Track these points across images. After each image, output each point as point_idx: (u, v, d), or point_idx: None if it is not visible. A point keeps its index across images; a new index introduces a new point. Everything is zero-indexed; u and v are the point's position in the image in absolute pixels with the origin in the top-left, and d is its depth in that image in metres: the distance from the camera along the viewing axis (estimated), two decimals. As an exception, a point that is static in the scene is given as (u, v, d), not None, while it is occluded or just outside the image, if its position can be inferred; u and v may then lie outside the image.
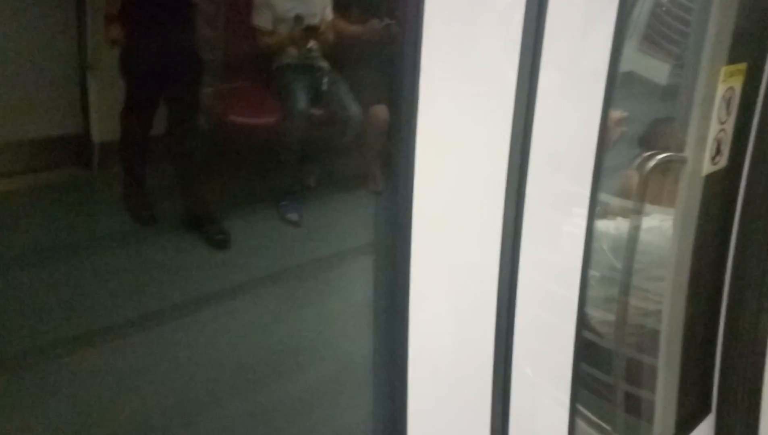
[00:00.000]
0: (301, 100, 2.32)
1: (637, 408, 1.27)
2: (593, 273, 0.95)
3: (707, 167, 1.35)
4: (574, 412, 0.95)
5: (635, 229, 1.19)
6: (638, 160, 1.28)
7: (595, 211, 0.87)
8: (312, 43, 2.37)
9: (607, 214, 1.09)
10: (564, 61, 0.83)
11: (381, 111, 2.32)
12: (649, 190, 1.23)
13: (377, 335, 0.97)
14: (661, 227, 1.30)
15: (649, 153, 1.29)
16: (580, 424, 1.05)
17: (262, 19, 2.35)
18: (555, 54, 0.80)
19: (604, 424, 1.18)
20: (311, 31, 2.34)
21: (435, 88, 0.80)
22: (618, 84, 0.87)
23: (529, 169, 0.83)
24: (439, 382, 0.93)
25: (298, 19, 2.33)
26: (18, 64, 1.85)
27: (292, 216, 2.36)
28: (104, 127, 2.05)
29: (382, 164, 2.30)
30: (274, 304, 2.11)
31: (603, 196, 0.96)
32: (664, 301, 1.31)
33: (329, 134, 2.47)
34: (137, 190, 2.11)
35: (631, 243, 1.18)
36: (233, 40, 2.39)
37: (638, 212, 1.22)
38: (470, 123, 0.84)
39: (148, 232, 2.09)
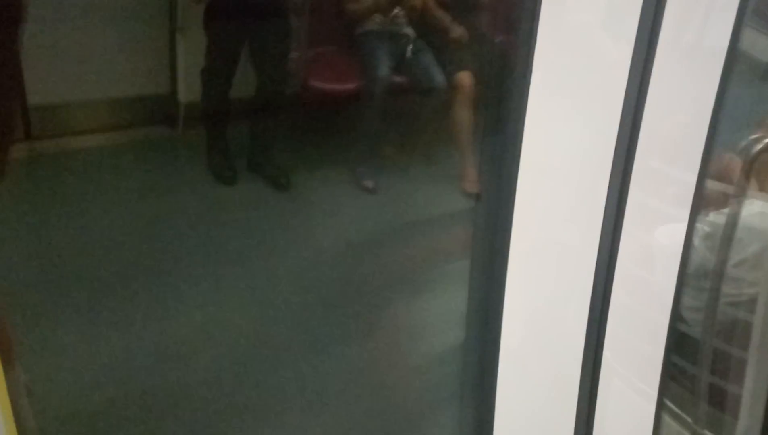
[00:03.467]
0: (384, 67, 2.30)
1: (723, 402, 1.22)
2: (691, 261, 0.92)
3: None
4: (660, 405, 0.93)
5: (735, 216, 1.13)
6: (744, 143, 1.21)
7: (701, 199, 0.83)
8: (398, 10, 2.34)
9: (709, 198, 1.03)
10: (682, 40, 0.79)
11: (466, 78, 2.29)
12: (753, 176, 1.16)
13: (470, 318, 0.97)
14: (763, 214, 1.23)
15: (756, 135, 1.22)
16: (665, 416, 1.03)
17: (348, -16, 2.34)
18: (673, 32, 0.76)
19: (687, 417, 1.15)
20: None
21: (547, 68, 0.77)
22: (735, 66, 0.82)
23: (636, 153, 0.80)
24: (527, 368, 0.92)
25: (384, -15, 2.31)
26: (111, 25, 1.91)
27: (368, 183, 2.37)
28: (191, 88, 2.11)
29: (471, 153, 2.28)
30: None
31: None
32: (761, 292, 1.25)
33: (412, 102, 2.45)
34: (219, 149, 2.17)
35: (728, 230, 1.12)
36: (319, 3, 2.39)
37: (740, 198, 1.16)
38: (580, 101, 0.81)
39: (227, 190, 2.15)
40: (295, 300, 1.93)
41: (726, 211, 1.10)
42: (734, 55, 0.79)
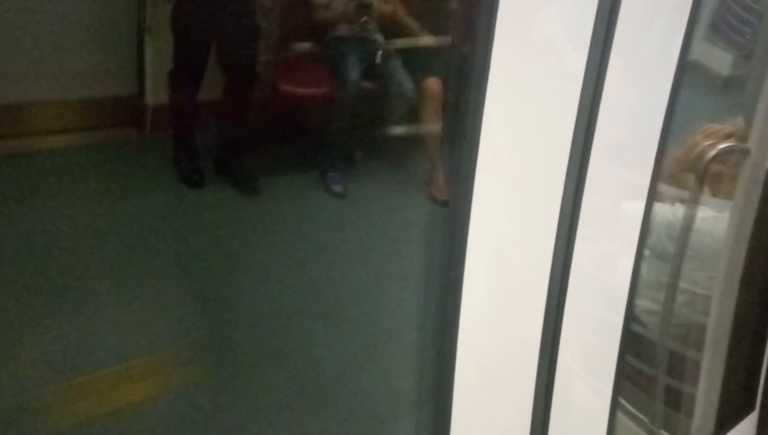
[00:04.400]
0: (353, 72, 2.31)
1: (677, 402, 1.26)
2: (644, 262, 0.94)
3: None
4: (615, 405, 0.95)
5: (689, 219, 1.16)
6: (698, 150, 1.25)
7: (653, 202, 0.86)
8: (367, 18, 2.36)
9: (662, 201, 1.06)
10: (634, 48, 0.82)
11: (434, 84, 2.31)
12: (707, 181, 1.20)
13: (427, 319, 0.98)
14: (716, 219, 1.27)
15: (709, 142, 1.26)
16: (620, 415, 1.06)
17: (317, -8, 2.35)
18: (626, 40, 0.78)
19: (642, 416, 1.18)
20: (365, 8, 2.34)
21: (503, 73, 0.79)
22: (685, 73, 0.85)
23: (591, 157, 0.82)
24: (484, 369, 0.94)
25: (353, -7, 2.33)
26: (78, 25, 1.89)
27: (337, 187, 2.37)
28: (158, 90, 2.09)
29: (439, 160, 2.30)
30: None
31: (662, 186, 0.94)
32: (714, 295, 1.29)
33: (380, 108, 2.46)
34: (187, 152, 2.15)
35: (683, 233, 1.16)
36: (288, 8, 2.40)
37: (694, 202, 1.19)
38: (535, 107, 0.83)
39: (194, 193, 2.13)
40: (259, 303, 1.93)
41: (679, 214, 1.14)
42: (684, 64, 0.82)
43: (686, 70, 0.82)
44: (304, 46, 2.45)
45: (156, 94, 2.10)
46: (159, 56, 2.06)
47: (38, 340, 1.60)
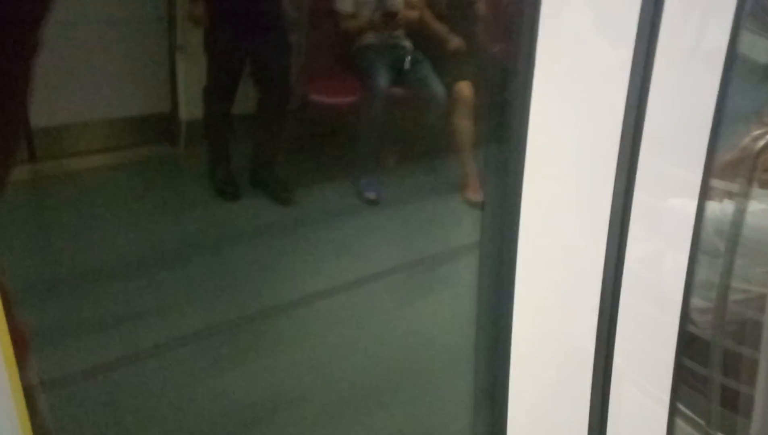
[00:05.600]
0: (382, 80, 2.32)
1: (735, 404, 1.22)
2: (698, 260, 0.92)
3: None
4: (673, 409, 0.93)
5: (741, 214, 1.13)
6: (747, 140, 1.21)
7: (705, 198, 0.83)
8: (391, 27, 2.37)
9: (713, 196, 1.03)
10: (681, 40, 0.80)
11: (466, 88, 2.30)
12: (757, 172, 1.16)
13: (480, 325, 0.97)
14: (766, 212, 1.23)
15: (759, 132, 1.22)
16: (677, 420, 1.03)
17: (344, 3, 2.36)
18: (672, 31, 0.76)
19: (700, 420, 1.14)
20: (390, 16, 2.34)
21: (548, 71, 0.78)
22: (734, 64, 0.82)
23: (640, 155, 0.80)
24: (539, 376, 0.92)
25: (379, 3, 2.33)
26: (111, 46, 1.93)
27: (371, 195, 2.37)
28: (191, 107, 2.12)
29: (473, 162, 2.29)
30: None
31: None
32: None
33: (411, 114, 2.46)
34: (222, 166, 2.18)
35: (735, 228, 1.12)
36: (316, 20, 2.41)
37: (745, 195, 1.16)
38: (581, 104, 0.82)
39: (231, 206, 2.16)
40: (301, 311, 1.94)
41: (733, 209, 1.10)
42: (733, 55, 0.80)
43: (736, 61, 0.79)
44: (335, 56, 2.46)
45: (189, 110, 2.13)
46: (191, 73, 2.09)
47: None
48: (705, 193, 0.82)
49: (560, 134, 0.83)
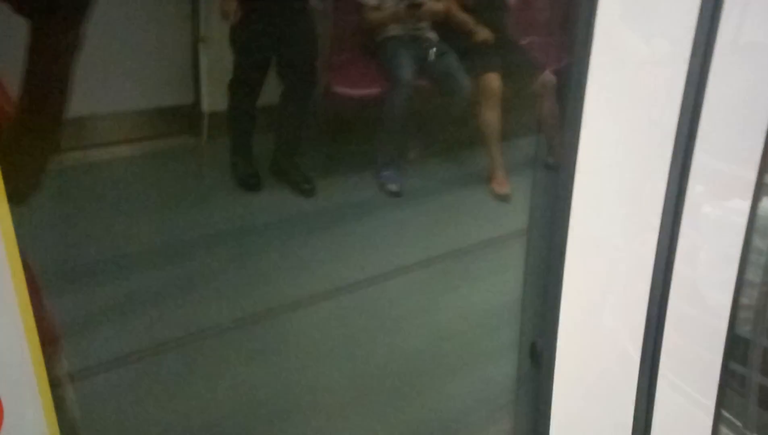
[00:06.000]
0: (406, 72, 2.29)
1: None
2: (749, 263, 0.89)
3: None
4: (718, 416, 0.91)
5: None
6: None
7: (760, 198, 0.81)
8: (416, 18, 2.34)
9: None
10: (740, 34, 0.77)
11: (493, 79, 2.27)
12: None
13: (524, 321, 0.96)
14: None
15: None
16: (722, 427, 1.00)
17: (368, -5, 2.33)
18: (731, 25, 0.74)
19: (746, 428, 1.12)
20: (415, 8, 2.31)
21: (604, 66, 0.75)
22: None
23: (694, 153, 0.78)
24: (584, 378, 0.90)
25: (404, -6, 2.30)
26: (133, 38, 1.92)
27: (393, 187, 2.36)
28: (214, 98, 2.11)
29: (499, 155, 2.27)
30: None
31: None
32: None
33: (435, 106, 2.44)
34: (244, 157, 2.17)
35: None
36: (341, 11, 2.39)
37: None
38: (636, 100, 0.79)
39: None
40: (324, 304, 1.93)
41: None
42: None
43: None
44: (359, 47, 2.44)
45: (212, 102, 2.13)
46: (214, 65, 2.08)
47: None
48: (759, 192, 0.79)
49: (614, 128, 0.81)
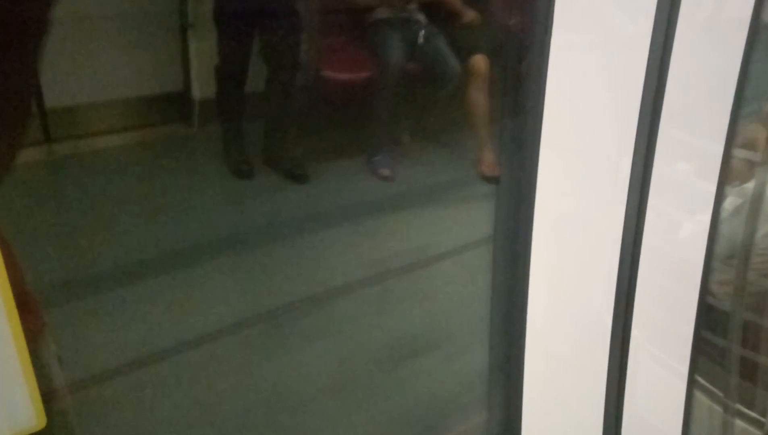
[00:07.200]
0: (396, 55, 2.29)
1: (755, 375, 1.21)
2: (719, 231, 0.91)
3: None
4: (692, 381, 0.92)
5: (763, 186, 1.11)
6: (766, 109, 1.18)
7: (728, 169, 0.82)
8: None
9: (735, 169, 1.02)
10: (702, 9, 0.78)
11: (481, 62, 2.28)
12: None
13: (495, 300, 0.97)
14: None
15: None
16: (696, 392, 1.02)
17: (356, -25, 2.33)
18: (694, 2, 0.75)
19: (719, 392, 1.14)
20: (404, -12, 2.31)
21: (565, 43, 0.76)
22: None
23: (660, 126, 0.79)
24: (555, 348, 0.92)
25: (393, -26, 2.30)
26: (121, 25, 1.91)
27: (385, 171, 2.36)
28: (204, 85, 2.11)
29: (488, 137, 2.27)
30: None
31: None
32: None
33: (425, 89, 2.44)
34: (235, 144, 2.17)
35: (756, 200, 1.11)
36: (328, -7, 2.38)
37: (766, 166, 1.14)
38: (600, 77, 0.80)
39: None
40: (317, 290, 1.95)
41: (753, 181, 1.09)
42: (757, 24, 0.78)
43: (760, 30, 0.77)
44: (347, 31, 2.43)
45: (202, 89, 2.12)
46: (203, 51, 2.08)
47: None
48: (727, 164, 0.81)
49: (578, 106, 0.82)
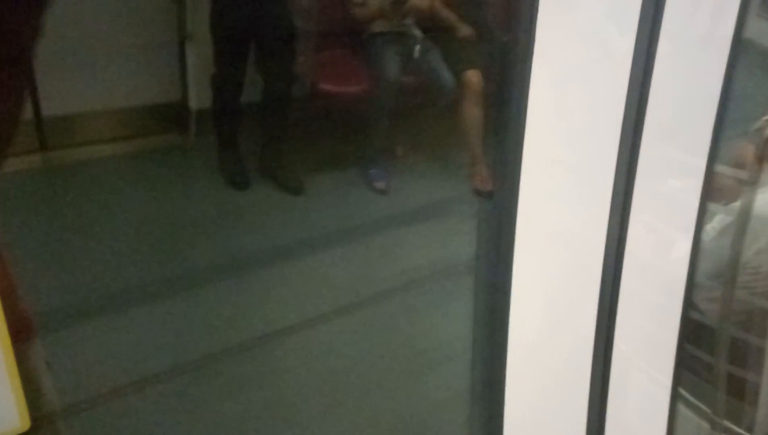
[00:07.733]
0: (391, 68, 2.31)
1: (740, 390, 1.21)
2: (703, 246, 0.91)
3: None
4: (675, 395, 0.92)
5: (749, 203, 1.12)
6: (756, 126, 1.19)
7: (710, 185, 0.83)
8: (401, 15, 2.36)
9: (718, 185, 1.02)
10: (685, 27, 0.79)
11: (474, 76, 2.30)
12: (766, 160, 1.15)
13: (477, 312, 0.97)
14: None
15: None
16: (680, 405, 1.02)
17: (353, -10, 2.35)
18: (676, 19, 0.76)
19: (703, 406, 1.14)
20: (400, 4, 2.33)
21: (547, 59, 0.77)
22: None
23: (642, 141, 0.80)
24: (537, 360, 0.92)
25: (389, -10, 2.32)
26: (119, 35, 1.93)
27: (380, 184, 2.37)
28: (201, 95, 2.12)
29: (482, 151, 2.29)
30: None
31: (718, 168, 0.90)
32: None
33: (420, 103, 2.46)
34: (231, 155, 2.18)
35: (742, 217, 1.11)
36: (326, 8, 2.41)
37: (753, 184, 1.14)
38: (582, 93, 0.81)
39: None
40: (313, 301, 1.95)
41: (739, 199, 1.09)
42: (739, 42, 0.79)
43: (742, 48, 0.78)
44: (343, 44, 2.45)
45: (199, 99, 2.14)
46: (200, 62, 2.09)
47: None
48: (709, 180, 0.82)
49: (560, 121, 0.82)
